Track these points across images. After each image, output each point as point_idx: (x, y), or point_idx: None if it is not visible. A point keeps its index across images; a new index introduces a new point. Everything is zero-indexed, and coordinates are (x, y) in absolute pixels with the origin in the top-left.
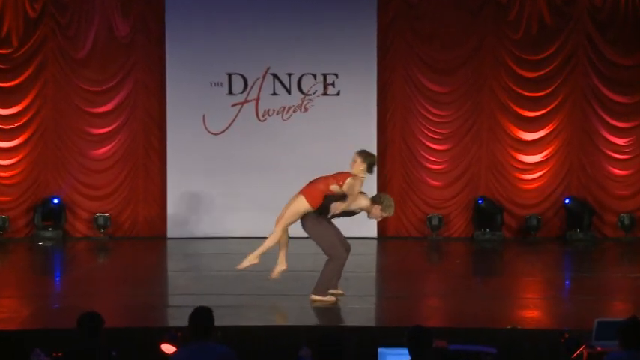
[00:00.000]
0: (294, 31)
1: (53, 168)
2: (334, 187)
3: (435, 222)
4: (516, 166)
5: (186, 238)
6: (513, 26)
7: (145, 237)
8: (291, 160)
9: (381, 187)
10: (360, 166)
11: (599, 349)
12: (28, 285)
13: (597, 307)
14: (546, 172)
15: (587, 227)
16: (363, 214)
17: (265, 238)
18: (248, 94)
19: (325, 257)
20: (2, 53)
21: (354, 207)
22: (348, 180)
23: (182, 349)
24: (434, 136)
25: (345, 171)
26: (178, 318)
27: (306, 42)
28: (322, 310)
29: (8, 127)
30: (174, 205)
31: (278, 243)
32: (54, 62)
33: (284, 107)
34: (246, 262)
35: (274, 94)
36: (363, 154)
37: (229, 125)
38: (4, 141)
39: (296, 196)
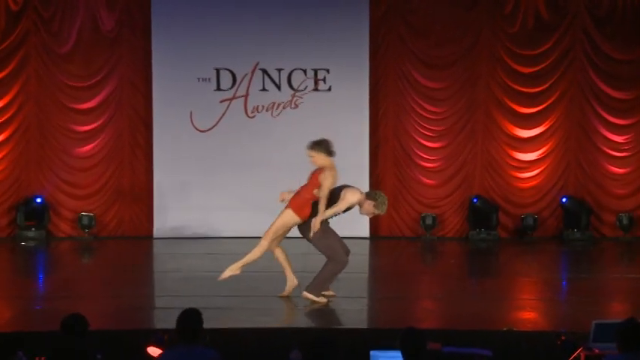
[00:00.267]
0: (285, 25)
1: (36, 166)
2: (316, 191)
3: (428, 221)
4: (512, 164)
5: (174, 238)
6: (509, 20)
7: (131, 237)
8: (281, 158)
9: (374, 185)
10: (320, 158)
11: (596, 351)
12: (10, 287)
13: (595, 309)
14: (543, 170)
15: (585, 227)
16: (356, 214)
17: (254, 238)
18: (237, 90)
19: (317, 257)
20: None
21: (344, 206)
22: (320, 176)
23: (168, 353)
24: (428, 134)
25: (314, 170)
26: (165, 320)
27: (296, 37)
28: (313, 312)
29: None
30: (160, 204)
31: (277, 260)
32: (37, 57)
33: (274, 103)
34: (228, 273)
35: (264, 90)
36: (314, 145)
37: (217, 122)
38: None
39: (284, 210)
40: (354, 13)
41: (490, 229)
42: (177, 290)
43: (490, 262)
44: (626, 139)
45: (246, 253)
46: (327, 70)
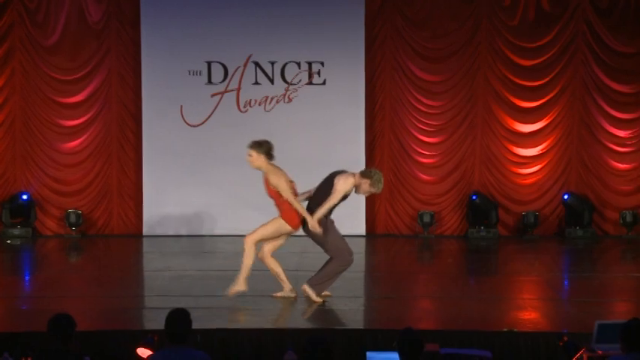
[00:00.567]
0: (278, 16)
1: (22, 162)
2: (285, 197)
3: (426, 219)
4: (512, 159)
5: (164, 236)
6: (509, 12)
7: (120, 235)
8: (275, 153)
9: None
10: (259, 160)
11: (599, 352)
12: None
13: (598, 309)
14: (544, 166)
15: (588, 224)
16: (352, 213)
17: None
18: (228, 84)
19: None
20: None
21: (337, 198)
22: (270, 181)
23: (157, 354)
24: (425, 128)
25: (268, 177)
26: (155, 321)
27: (290, 28)
28: (308, 313)
29: None
30: (150, 201)
31: (272, 270)
32: (22, 50)
33: (267, 97)
34: (235, 290)
35: (256, 83)
36: (255, 145)
37: (209, 117)
38: None
39: (277, 218)
40: (350, 3)
41: (489, 227)
42: (167, 290)
43: (490, 261)
44: (630, 133)
45: (241, 265)
46: (322, 63)
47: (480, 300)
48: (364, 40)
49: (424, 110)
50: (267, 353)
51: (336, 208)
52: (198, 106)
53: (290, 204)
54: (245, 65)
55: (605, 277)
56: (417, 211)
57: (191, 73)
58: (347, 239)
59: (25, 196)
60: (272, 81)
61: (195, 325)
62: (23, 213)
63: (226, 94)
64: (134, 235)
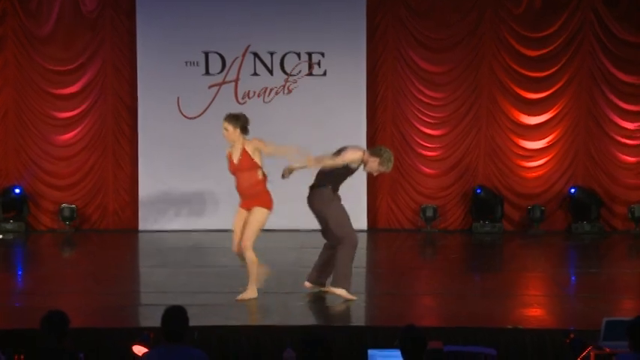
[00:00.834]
0: (277, 6)
1: (14, 155)
2: (260, 172)
3: (429, 213)
4: (518, 152)
5: (160, 231)
6: (514, 0)
7: (115, 230)
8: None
9: (371, 176)
10: (235, 134)
11: (607, 350)
12: None
13: (605, 306)
14: (550, 159)
15: (595, 219)
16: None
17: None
18: (226, 75)
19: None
20: None
21: (341, 162)
22: (267, 150)
23: (152, 352)
24: (428, 120)
25: (238, 158)
26: (151, 318)
27: (289, 18)
28: (307, 309)
29: None
30: (146, 196)
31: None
32: (14, 40)
33: (265, 89)
34: (247, 297)
35: (255, 74)
36: (231, 118)
37: (206, 109)
38: None
39: (252, 211)
40: None
41: (494, 222)
42: (163, 286)
43: (494, 257)
44: (639, 125)
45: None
46: (322, 54)
47: (484, 296)
48: (366, 29)
49: (427, 102)
50: (265, 351)
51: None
52: (195, 98)
53: (266, 181)
54: (243, 56)
55: (613, 273)
56: (420, 205)
57: (188, 63)
58: None
59: (17, 190)
60: (271, 72)
61: (192, 323)
62: (16, 207)
63: (224, 86)
64: (129, 230)
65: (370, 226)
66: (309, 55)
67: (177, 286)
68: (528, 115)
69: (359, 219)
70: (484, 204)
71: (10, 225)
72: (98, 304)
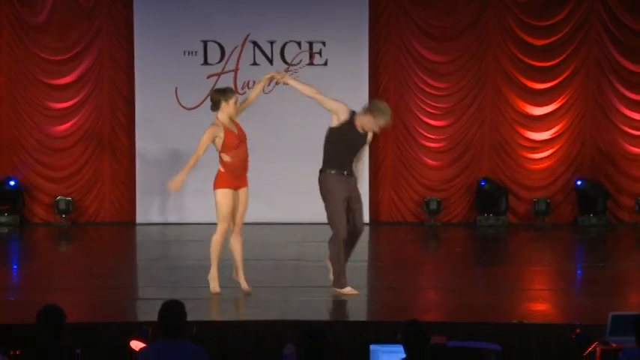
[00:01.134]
0: None
1: (9, 146)
2: (225, 156)
3: (433, 206)
4: (523, 143)
5: (157, 223)
6: None
7: (112, 223)
8: (273, 138)
9: (373, 167)
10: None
11: (613, 345)
12: None
13: (612, 300)
14: (556, 150)
15: (602, 211)
16: None
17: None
18: (226, 65)
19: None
20: None
21: (322, 98)
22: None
23: (150, 347)
24: (432, 111)
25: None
26: (149, 312)
27: (290, 6)
28: (308, 304)
29: None
30: (143, 188)
31: (232, 252)
32: (8, 29)
33: None
34: (244, 285)
35: (255, 64)
36: (232, 91)
37: (205, 99)
38: None
39: (243, 191)
40: None
41: (499, 215)
42: (162, 280)
43: (499, 250)
44: None
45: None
46: (323, 43)
47: (488, 291)
48: (368, 18)
49: (430, 92)
50: (265, 346)
51: None
52: (193, 88)
53: (226, 163)
54: (243, 45)
55: (620, 267)
56: (423, 198)
57: (186, 53)
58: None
59: (12, 182)
60: (271, 61)
61: (190, 317)
62: (11, 200)
63: (223, 76)
64: (127, 222)
65: (373, 219)
66: (310, 44)
67: (175, 280)
68: (534, 106)
69: None
70: (488, 196)
71: (4, 218)
72: (95, 299)
